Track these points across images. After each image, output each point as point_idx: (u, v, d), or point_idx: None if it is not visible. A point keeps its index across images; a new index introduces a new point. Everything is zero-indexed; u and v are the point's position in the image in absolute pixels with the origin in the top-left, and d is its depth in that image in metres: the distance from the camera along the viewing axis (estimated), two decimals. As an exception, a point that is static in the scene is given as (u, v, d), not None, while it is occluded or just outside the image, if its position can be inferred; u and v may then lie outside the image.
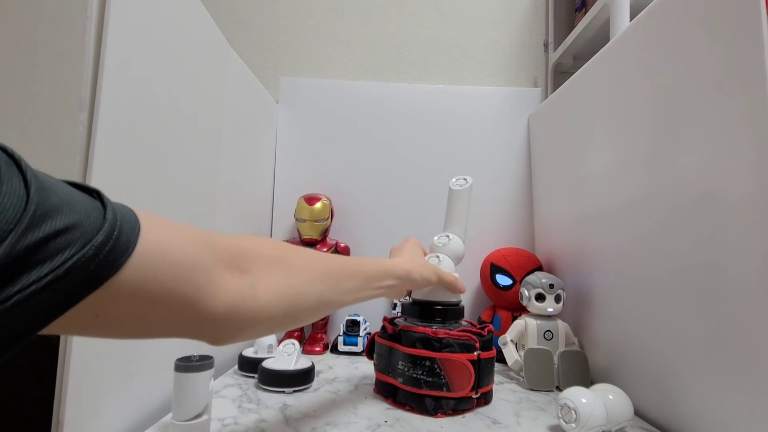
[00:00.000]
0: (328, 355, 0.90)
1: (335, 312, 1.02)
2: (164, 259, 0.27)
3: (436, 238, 0.71)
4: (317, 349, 0.91)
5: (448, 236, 0.70)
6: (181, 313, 0.29)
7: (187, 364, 0.47)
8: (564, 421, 0.52)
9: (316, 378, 0.71)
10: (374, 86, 1.11)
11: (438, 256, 0.67)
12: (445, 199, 0.74)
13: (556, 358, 0.72)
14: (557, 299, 0.76)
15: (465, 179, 0.73)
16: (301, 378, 0.67)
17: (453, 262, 0.68)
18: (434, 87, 1.12)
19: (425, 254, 0.67)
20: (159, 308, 0.27)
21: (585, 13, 0.94)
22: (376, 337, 0.68)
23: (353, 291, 0.46)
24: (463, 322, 0.67)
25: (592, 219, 0.75)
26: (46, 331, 0.22)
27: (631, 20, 0.68)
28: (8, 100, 0.43)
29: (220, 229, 0.74)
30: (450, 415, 0.59)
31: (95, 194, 0.25)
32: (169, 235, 0.29)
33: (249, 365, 0.73)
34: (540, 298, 0.76)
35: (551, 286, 0.75)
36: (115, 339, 0.28)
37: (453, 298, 0.66)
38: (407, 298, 0.65)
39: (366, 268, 0.49)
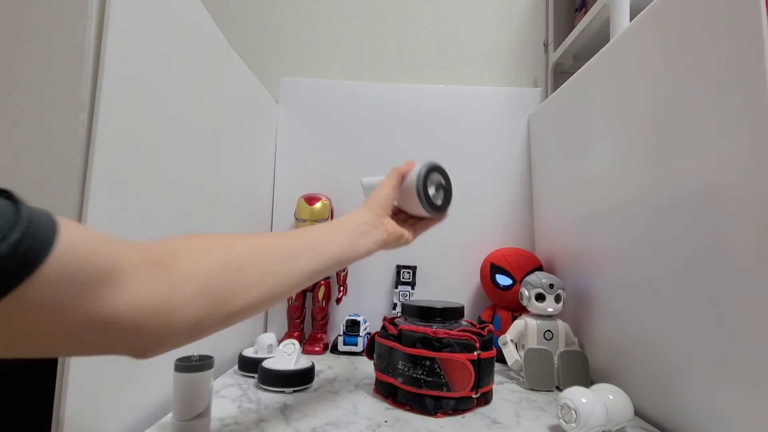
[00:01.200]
0: (328, 355, 0.90)
1: (331, 308, 1.02)
2: (84, 261, 0.25)
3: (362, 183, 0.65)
4: (317, 349, 0.91)
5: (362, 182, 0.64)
6: (98, 319, 0.26)
7: (187, 364, 0.47)
8: (564, 421, 0.52)
9: (316, 378, 0.71)
10: (374, 86, 1.11)
11: (362, 181, 0.62)
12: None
13: (556, 358, 0.72)
14: (557, 299, 0.76)
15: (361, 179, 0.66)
16: (301, 378, 0.67)
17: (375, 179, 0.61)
18: (434, 87, 1.12)
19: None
20: (74, 314, 0.25)
21: (585, 13, 0.93)
22: (376, 337, 0.69)
23: (298, 255, 0.40)
24: (463, 322, 0.67)
25: (592, 219, 0.75)
26: None
27: (631, 20, 0.68)
28: (8, 100, 0.43)
29: (220, 229, 0.74)
30: (450, 415, 0.59)
31: (5, 195, 0.24)
32: (89, 237, 0.26)
33: (249, 365, 0.73)
34: (540, 298, 0.76)
35: (551, 286, 0.75)
36: (24, 356, 0.25)
37: (417, 170, 0.57)
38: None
39: (310, 234, 0.44)
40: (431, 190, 0.57)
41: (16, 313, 0.22)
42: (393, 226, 0.53)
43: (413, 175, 0.57)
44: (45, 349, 0.26)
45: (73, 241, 0.24)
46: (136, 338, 0.28)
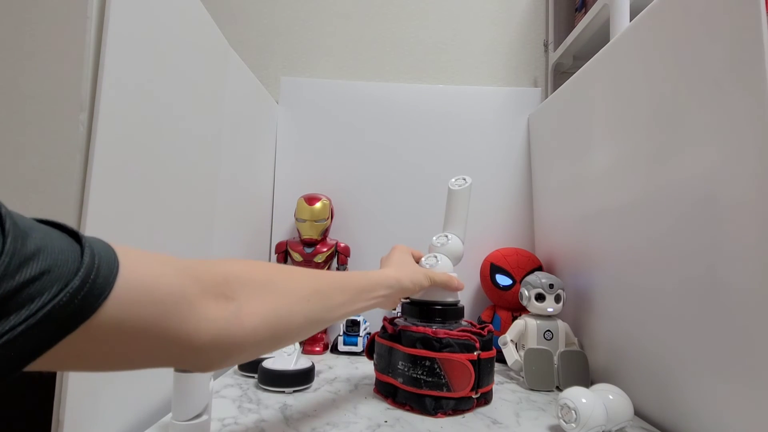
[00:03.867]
0: (328, 355, 0.90)
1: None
2: (146, 296, 0.27)
3: (435, 238, 0.71)
4: (317, 349, 0.91)
5: (446, 236, 0.70)
6: (165, 348, 0.29)
7: (187, 364, 0.47)
8: (564, 421, 0.52)
9: (316, 378, 0.71)
10: (374, 86, 1.11)
11: (436, 256, 0.67)
12: (445, 199, 0.74)
13: (556, 358, 0.72)
14: (557, 299, 0.76)
15: (464, 179, 0.73)
16: (301, 378, 0.67)
17: (451, 263, 0.68)
18: (434, 87, 1.12)
19: (417, 258, 0.67)
20: (142, 344, 0.27)
21: (585, 13, 0.94)
22: (376, 337, 0.68)
23: (342, 306, 0.46)
24: (463, 322, 0.67)
25: (592, 219, 0.75)
26: (26, 369, 0.23)
27: (631, 20, 0.68)
28: (8, 100, 0.43)
29: (220, 229, 0.74)
30: (450, 415, 0.59)
31: (74, 235, 0.25)
32: (151, 271, 0.28)
33: (249, 365, 0.73)
34: (540, 298, 0.76)
35: (551, 286, 0.75)
36: (99, 372, 0.28)
37: (450, 298, 0.66)
38: (395, 311, 0.63)
39: (355, 282, 0.49)
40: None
41: (82, 346, 0.24)
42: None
43: (446, 297, 0.66)
44: (114, 368, 0.28)
45: (132, 281, 0.26)
46: (200, 360, 0.32)
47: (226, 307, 0.33)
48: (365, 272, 0.53)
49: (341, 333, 0.91)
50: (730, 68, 0.46)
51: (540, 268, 0.92)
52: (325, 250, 0.97)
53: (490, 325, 0.68)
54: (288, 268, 0.43)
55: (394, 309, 0.97)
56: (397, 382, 0.62)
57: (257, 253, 0.99)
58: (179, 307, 0.29)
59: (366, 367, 0.79)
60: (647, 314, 0.60)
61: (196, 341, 0.30)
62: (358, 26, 1.16)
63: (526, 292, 0.77)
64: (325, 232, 0.98)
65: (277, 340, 0.38)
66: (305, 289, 0.42)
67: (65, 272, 0.23)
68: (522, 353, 0.74)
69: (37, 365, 0.23)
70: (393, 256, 0.63)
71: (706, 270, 0.49)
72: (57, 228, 0.25)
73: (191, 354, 0.30)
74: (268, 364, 0.67)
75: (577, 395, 0.51)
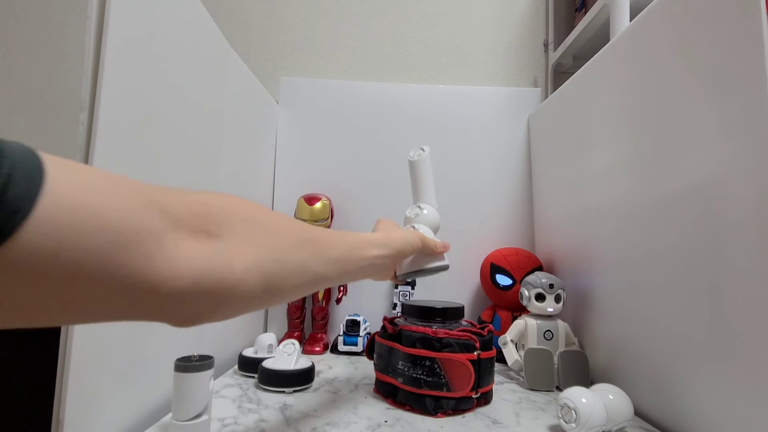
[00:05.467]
0: (328, 355, 0.90)
1: (331, 308, 1.02)
2: (88, 221, 0.21)
3: (408, 210, 0.68)
4: (317, 349, 0.91)
5: (419, 206, 0.67)
6: (123, 292, 0.23)
7: (187, 364, 0.47)
8: (564, 421, 0.52)
9: (316, 378, 0.71)
10: (374, 86, 1.11)
11: (414, 226, 0.64)
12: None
13: (556, 358, 0.72)
14: (557, 299, 0.76)
15: (422, 149, 0.70)
16: (301, 378, 0.67)
17: (431, 231, 0.64)
18: (434, 87, 1.12)
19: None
20: (85, 286, 0.21)
21: (585, 13, 0.94)
22: (376, 337, 0.68)
23: (336, 262, 0.40)
24: (463, 322, 0.67)
25: (592, 219, 0.75)
26: None
27: (631, 20, 0.68)
28: (8, 100, 0.43)
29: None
30: (450, 415, 0.59)
31: None
32: (95, 189, 0.22)
33: (249, 365, 0.73)
34: (540, 298, 0.76)
35: (551, 286, 0.75)
36: (24, 326, 0.22)
37: (438, 262, 0.61)
38: (395, 310, 0.59)
39: (345, 238, 0.44)
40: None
41: (10, 269, 0.19)
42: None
43: (437, 261, 0.61)
44: (42, 320, 0.22)
45: (66, 198, 0.20)
46: (178, 309, 0.26)
47: (209, 244, 0.27)
48: (354, 232, 0.48)
49: (341, 333, 0.91)
50: (730, 68, 0.46)
51: (540, 268, 0.92)
52: (325, 250, 0.96)
53: (490, 325, 0.68)
54: (276, 212, 0.38)
55: (394, 308, 0.97)
56: (397, 382, 0.62)
57: (257, 253, 0.99)
58: (141, 240, 0.23)
59: (366, 367, 0.79)
60: (647, 314, 0.60)
61: (169, 285, 0.24)
62: (358, 26, 1.16)
63: (526, 292, 0.77)
64: (325, 232, 0.98)
65: (270, 291, 0.32)
66: (298, 234, 0.36)
67: None
68: (522, 353, 0.74)
69: None
70: (378, 225, 0.59)
71: (705, 270, 0.49)
72: None
73: (164, 301, 0.25)
74: (268, 364, 0.67)
75: (577, 395, 0.51)
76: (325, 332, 0.98)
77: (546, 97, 1.09)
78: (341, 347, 0.90)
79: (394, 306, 0.99)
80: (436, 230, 0.66)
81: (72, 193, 0.20)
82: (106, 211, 0.22)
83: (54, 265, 0.20)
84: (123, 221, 0.22)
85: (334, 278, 0.41)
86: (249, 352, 0.75)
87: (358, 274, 0.46)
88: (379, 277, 0.54)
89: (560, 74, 1.10)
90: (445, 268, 0.62)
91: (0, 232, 0.18)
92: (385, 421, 0.56)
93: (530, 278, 0.78)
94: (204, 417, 0.48)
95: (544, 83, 1.13)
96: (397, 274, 0.60)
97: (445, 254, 0.62)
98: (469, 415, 0.60)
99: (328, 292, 0.98)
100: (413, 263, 0.60)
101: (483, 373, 0.61)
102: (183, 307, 0.26)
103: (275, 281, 0.32)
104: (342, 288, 0.98)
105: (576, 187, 0.82)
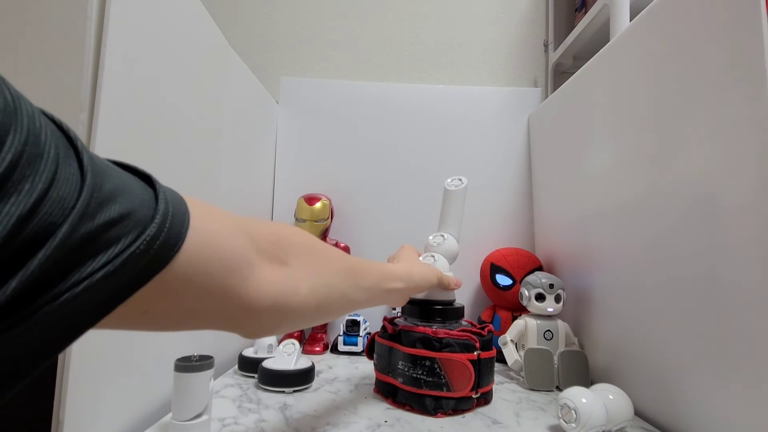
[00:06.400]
0: (328, 355, 0.90)
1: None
2: (213, 250, 0.26)
3: (431, 237, 0.71)
4: (317, 349, 0.91)
5: (443, 236, 0.70)
6: (227, 306, 0.28)
7: (187, 364, 0.47)
8: (564, 421, 0.52)
9: (316, 378, 0.71)
10: (374, 86, 1.11)
11: (433, 256, 0.67)
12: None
13: (556, 358, 0.72)
14: (557, 299, 0.76)
15: (460, 179, 0.73)
16: (301, 378, 0.67)
17: (447, 262, 0.68)
18: (434, 87, 1.12)
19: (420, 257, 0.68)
20: (206, 302, 0.26)
21: (585, 13, 0.94)
22: (376, 337, 0.68)
23: (368, 291, 0.45)
24: (463, 322, 0.67)
25: (592, 219, 0.75)
26: (94, 328, 0.21)
27: (631, 20, 0.68)
28: (8, 100, 0.43)
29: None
30: (450, 415, 0.59)
31: (147, 179, 0.24)
32: (217, 225, 0.27)
33: (249, 365, 0.73)
34: (540, 298, 0.76)
35: (551, 286, 0.75)
36: (160, 332, 0.27)
37: (448, 297, 0.67)
38: (395, 310, 0.62)
39: (376, 269, 0.48)
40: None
41: (152, 300, 0.23)
42: None
43: (446, 296, 0.67)
44: (175, 328, 0.27)
45: (204, 232, 0.25)
46: (256, 323, 0.31)
47: (282, 270, 0.32)
48: (380, 262, 0.52)
49: (341, 333, 0.91)
50: (730, 68, 0.46)
51: (540, 268, 0.92)
52: (325, 250, 0.96)
53: (490, 325, 0.68)
54: (321, 241, 0.42)
55: (394, 308, 0.97)
56: (397, 382, 0.62)
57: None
58: (241, 266, 0.28)
59: (366, 367, 0.79)
60: (647, 314, 0.60)
61: (256, 303, 0.29)
62: (358, 26, 1.16)
63: (526, 292, 0.77)
64: (325, 232, 0.98)
65: (320, 312, 0.37)
66: (342, 262, 0.41)
67: (142, 218, 0.21)
68: (522, 353, 0.74)
69: (106, 323, 0.21)
70: (401, 253, 0.62)
71: (705, 270, 0.49)
72: (129, 171, 0.24)
73: (250, 316, 0.29)
74: (268, 364, 0.67)
75: (577, 395, 0.51)
76: (325, 332, 0.98)
77: (546, 97, 1.09)
78: (341, 347, 0.90)
79: (394, 306, 0.99)
80: (453, 261, 0.70)
81: (204, 230, 0.25)
82: (223, 243, 0.27)
83: (189, 286, 0.25)
84: (232, 249, 0.27)
85: (362, 304, 0.45)
86: (249, 352, 0.75)
87: (380, 301, 0.50)
88: (393, 304, 0.57)
89: (560, 74, 1.10)
90: (451, 303, 0.67)
91: (164, 259, 0.22)
92: (385, 421, 0.56)
93: (530, 278, 0.78)
94: (204, 417, 0.48)
95: (544, 83, 1.13)
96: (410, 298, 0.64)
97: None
98: (469, 415, 0.60)
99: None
100: (427, 294, 0.65)
101: (483, 373, 0.61)
102: (259, 321, 0.31)
103: (324, 303, 0.37)
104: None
105: (576, 187, 0.82)
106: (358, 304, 0.44)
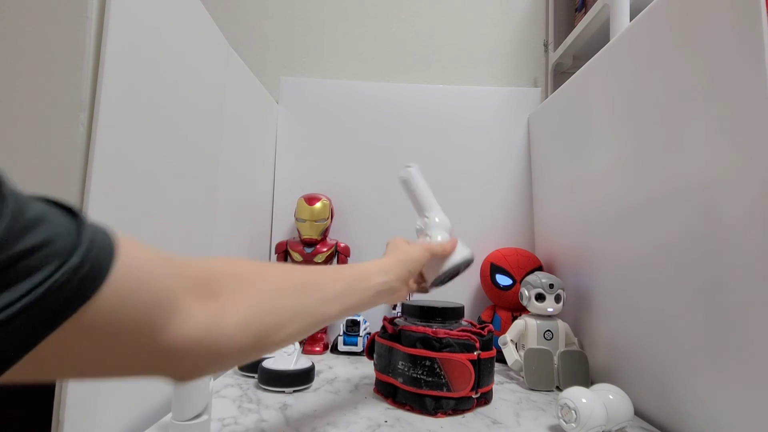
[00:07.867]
0: (328, 355, 0.90)
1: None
2: (140, 285, 0.24)
3: (417, 222, 0.68)
4: (317, 349, 0.91)
5: (426, 216, 0.67)
6: (149, 349, 0.25)
7: (187, 364, 0.47)
8: (564, 421, 0.52)
9: (316, 378, 0.71)
10: (374, 86, 1.11)
11: (427, 235, 0.64)
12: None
13: (556, 358, 0.72)
14: (557, 299, 0.76)
15: (408, 165, 0.71)
16: (301, 378, 0.67)
17: (445, 234, 0.65)
18: (434, 87, 1.12)
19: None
20: (130, 340, 0.24)
21: (585, 13, 0.94)
22: (376, 337, 0.69)
23: (338, 299, 0.42)
24: (463, 322, 0.67)
25: (592, 219, 0.75)
26: (3, 377, 0.19)
27: (631, 20, 0.68)
28: (8, 100, 0.43)
29: (220, 228, 0.74)
30: (450, 415, 0.59)
31: (69, 211, 0.22)
32: (145, 258, 0.26)
33: (249, 365, 0.73)
34: (540, 298, 0.76)
35: (551, 286, 0.75)
36: (73, 380, 0.24)
37: (455, 261, 0.61)
38: (395, 310, 0.59)
39: (347, 271, 0.46)
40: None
41: (72, 338, 0.21)
42: (410, 286, 0.57)
43: (454, 259, 0.61)
44: (96, 373, 0.25)
45: (130, 265, 0.23)
46: (181, 365, 0.28)
47: (210, 305, 0.29)
48: (356, 264, 0.49)
49: (341, 333, 0.91)
50: (730, 68, 0.46)
51: (540, 268, 0.92)
52: (325, 250, 0.97)
53: (490, 325, 0.68)
54: (276, 264, 0.38)
55: (394, 308, 0.97)
56: (397, 382, 0.62)
57: (257, 253, 0.99)
58: (168, 301, 0.26)
59: (366, 367, 0.79)
60: (647, 314, 0.60)
61: (180, 342, 0.26)
62: (358, 26, 1.16)
63: (526, 292, 0.77)
64: (325, 232, 0.98)
65: (262, 341, 0.33)
66: (293, 281, 0.38)
67: (64, 247, 0.20)
68: (522, 353, 0.74)
69: (13, 372, 0.19)
70: (387, 249, 0.59)
71: (705, 270, 0.49)
72: (54, 205, 0.22)
73: (176, 357, 0.27)
74: (268, 364, 0.67)
75: (577, 395, 0.51)
76: (325, 332, 0.98)
77: (546, 97, 1.09)
78: (341, 347, 0.90)
79: (394, 306, 0.99)
80: (448, 230, 0.66)
81: (132, 263, 0.24)
82: (150, 276, 0.25)
83: (113, 321, 0.22)
84: (159, 282, 0.26)
85: (337, 314, 0.42)
86: (249, 352, 0.75)
87: (366, 303, 0.47)
88: (392, 300, 0.54)
89: (560, 74, 1.10)
90: (468, 261, 0.62)
91: (88, 290, 0.21)
92: (385, 421, 0.56)
93: (530, 278, 0.78)
94: (204, 417, 0.48)
95: (544, 83, 1.13)
96: (428, 286, 0.62)
97: (464, 246, 0.63)
98: (469, 415, 0.60)
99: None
100: (433, 272, 0.61)
101: (483, 373, 0.61)
102: (186, 362, 0.28)
103: (269, 332, 0.34)
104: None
105: (576, 187, 0.82)
106: (330, 317, 0.41)
